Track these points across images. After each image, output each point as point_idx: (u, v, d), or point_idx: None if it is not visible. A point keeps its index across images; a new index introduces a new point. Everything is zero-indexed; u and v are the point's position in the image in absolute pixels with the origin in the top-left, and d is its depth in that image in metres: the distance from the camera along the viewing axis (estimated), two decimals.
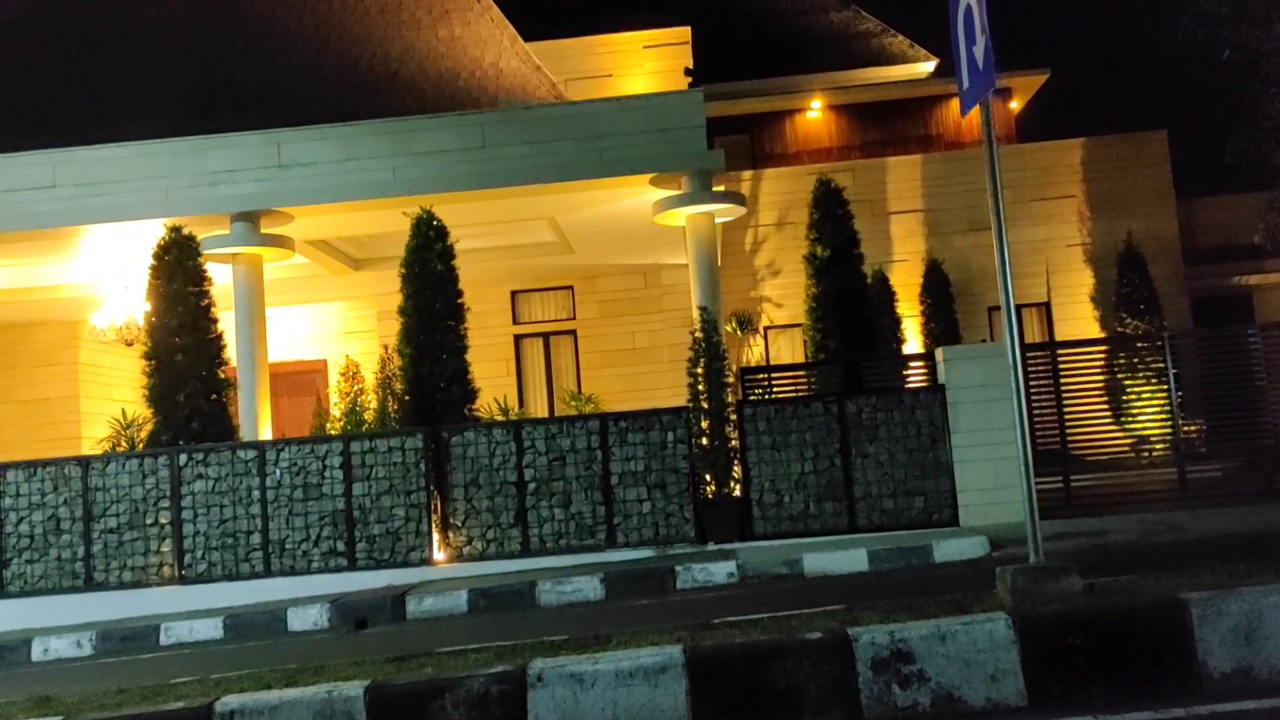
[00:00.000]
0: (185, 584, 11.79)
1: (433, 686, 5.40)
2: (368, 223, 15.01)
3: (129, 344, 15.83)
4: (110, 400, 18.54)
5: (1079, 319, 19.02)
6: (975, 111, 6.72)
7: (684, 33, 22.09)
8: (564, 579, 10.45)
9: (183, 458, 11.97)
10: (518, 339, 19.86)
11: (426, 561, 11.75)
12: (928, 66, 23.73)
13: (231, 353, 13.36)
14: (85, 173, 13.89)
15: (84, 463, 12.19)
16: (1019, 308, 17.97)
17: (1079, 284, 19.21)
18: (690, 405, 12.15)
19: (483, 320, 17.43)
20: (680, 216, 14.28)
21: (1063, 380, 12.21)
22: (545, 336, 19.91)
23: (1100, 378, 12.61)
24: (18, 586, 11.94)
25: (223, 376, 12.86)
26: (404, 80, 17.33)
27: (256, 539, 11.85)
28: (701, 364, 12.24)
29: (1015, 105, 22.47)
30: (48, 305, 17.68)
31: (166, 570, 11.86)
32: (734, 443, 12.01)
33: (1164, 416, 12.22)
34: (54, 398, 18.73)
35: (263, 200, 13.77)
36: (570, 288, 19.84)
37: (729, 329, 18.37)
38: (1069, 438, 12.12)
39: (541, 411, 19.26)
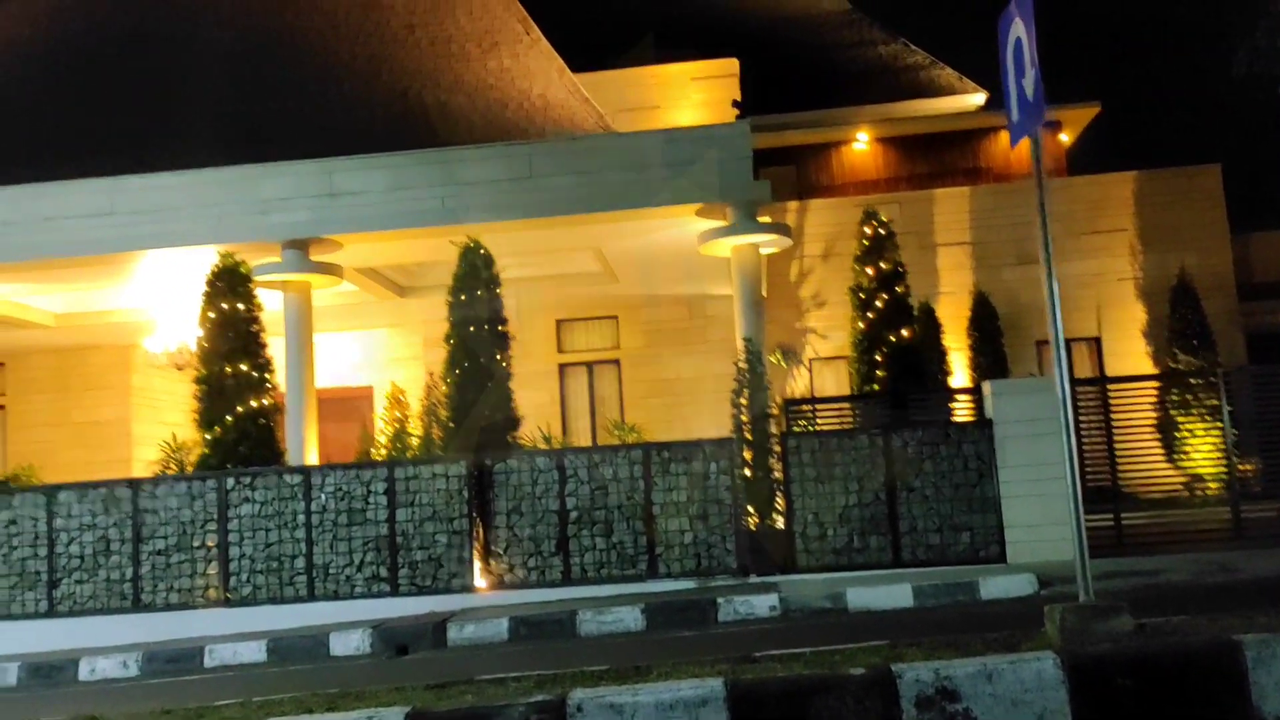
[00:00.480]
0: (230, 606, 11.89)
1: (473, 714, 5.38)
2: (415, 251, 15.16)
3: (180, 368, 16.07)
4: (161, 424, 18.81)
5: (1131, 354, 18.74)
6: (1024, 144, 6.68)
7: (732, 65, 22.14)
8: (605, 609, 10.40)
9: (230, 481, 12.11)
10: (562, 368, 19.91)
11: (468, 588, 11.76)
12: (977, 99, 23.61)
13: (280, 378, 13.53)
14: (142, 200, 14.15)
15: (134, 485, 12.38)
16: (1069, 342, 17.88)
17: (1131, 318, 18.96)
18: (734, 436, 12.11)
19: (527, 349, 17.50)
20: (725, 247, 14.27)
21: (1114, 416, 12.03)
22: (589, 366, 19.94)
23: (1153, 414, 12.41)
24: (67, 607, 12.12)
25: (271, 401, 13.03)
26: (453, 111, 17.55)
27: (301, 563, 11.94)
28: (745, 395, 12.21)
29: (1065, 138, 22.29)
30: (102, 330, 18.03)
31: (212, 593, 11.98)
32: (777, 474, 11.94)
33: (1218, 454, 12.00)
34: (106, 420, 19.06)
35: (313, 228, 13.96)
36: (615, 317, 19.87)
37: (773, 360, 18.30)
38: (1120, 474, 11.93)
39: (585, 440, 19.25)
